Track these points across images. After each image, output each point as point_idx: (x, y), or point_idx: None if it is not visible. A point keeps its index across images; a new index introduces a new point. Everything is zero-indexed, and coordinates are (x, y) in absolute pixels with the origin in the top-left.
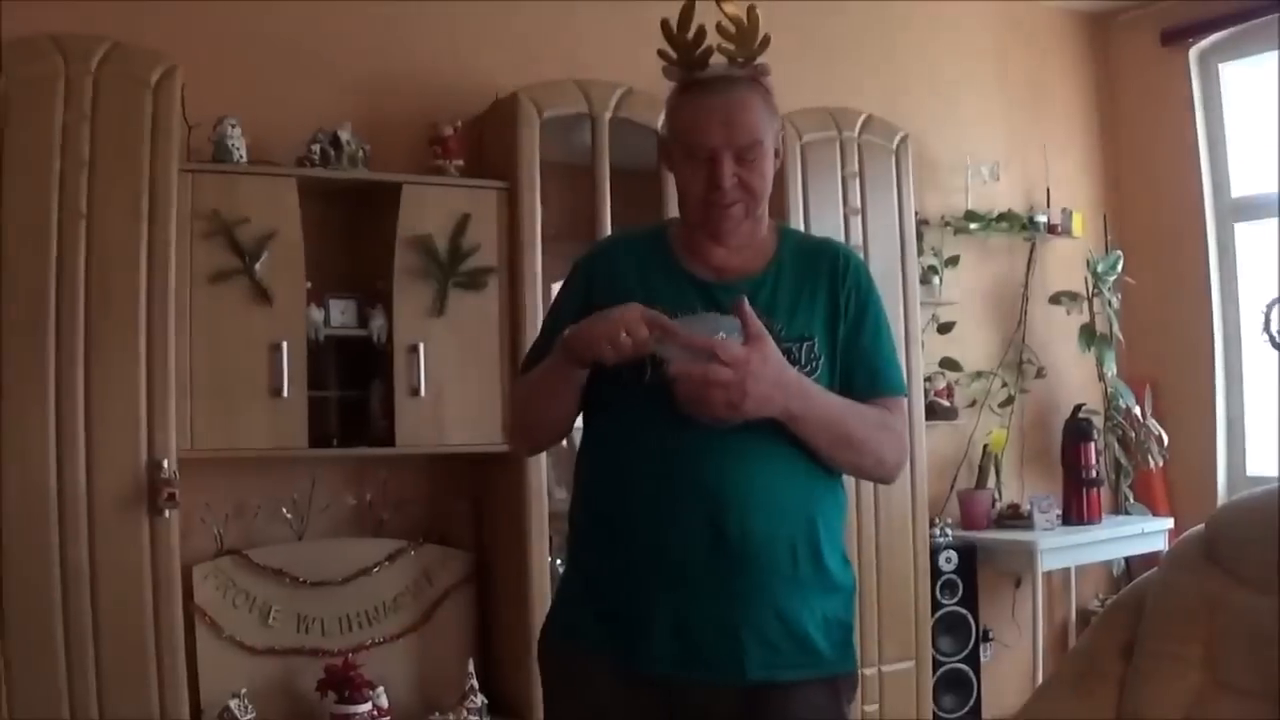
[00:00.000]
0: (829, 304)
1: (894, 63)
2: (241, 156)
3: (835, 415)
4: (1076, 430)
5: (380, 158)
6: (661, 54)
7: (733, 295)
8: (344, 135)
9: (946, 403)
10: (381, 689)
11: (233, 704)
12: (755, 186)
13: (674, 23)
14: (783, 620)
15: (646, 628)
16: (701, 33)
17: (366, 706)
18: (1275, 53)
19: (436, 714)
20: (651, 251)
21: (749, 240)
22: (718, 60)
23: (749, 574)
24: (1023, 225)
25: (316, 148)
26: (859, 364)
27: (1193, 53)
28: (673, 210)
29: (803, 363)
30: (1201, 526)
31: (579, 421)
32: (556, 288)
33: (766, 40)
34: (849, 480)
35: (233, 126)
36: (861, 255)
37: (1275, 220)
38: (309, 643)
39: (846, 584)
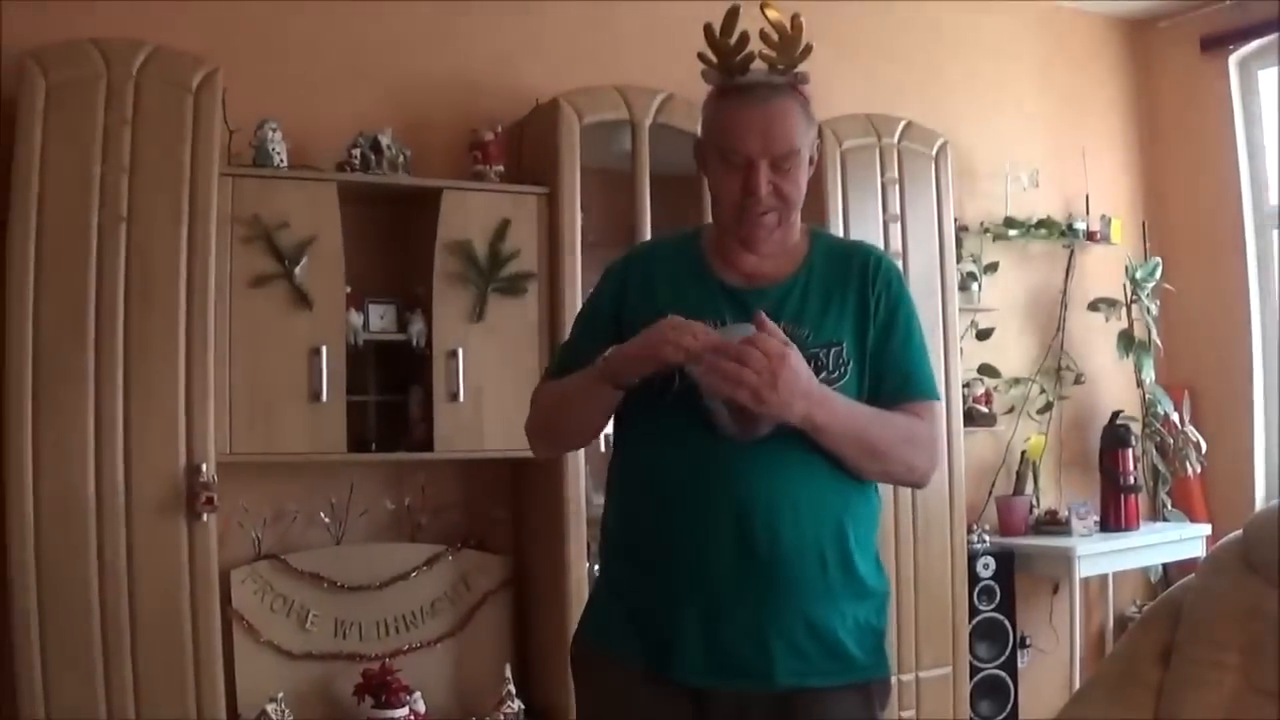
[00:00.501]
0: (858, 307)
1: (934, 69)
2: (282, 161)
3: (860, 425)
4: (1114, 437)
5: (420, 162)
6: (701, 57)
7: (762, 301)
8: (384, 140)
9: (985, 409)
10: (419, 694)
11: (270, 708)
12: (790, 195)
13: (717, 27)
14: (812, 627)
15: (676, 635)
16: (744, 39)
17: (404, 711)
18: None
19: (474, 719)
20: (683, 258)
21: (780, 248)
22: (758, 66)
23: (778, 581)
24: (1061, 232)
25: (357, 152)
26: (889, 368)
27: (1232, 59)
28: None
29: (830, 368)
30: (1239, 532)
31: (609, 427)
32: None
33: (809, 49)
34: (885, 486)
35: (273, 130)
36: (900, 262)
37: None
38: (346, 647)
39: (879, 589)
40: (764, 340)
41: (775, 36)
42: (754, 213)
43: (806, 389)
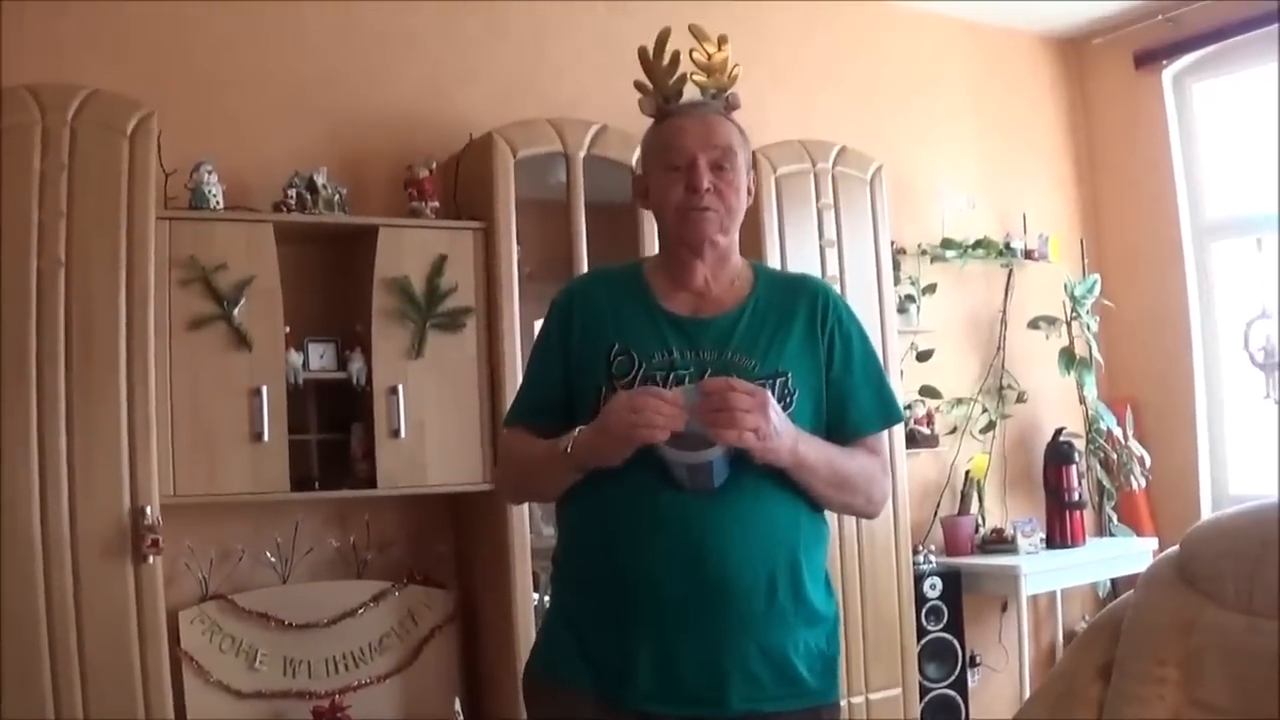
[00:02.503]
0: (807, 341)
1: (868, 94)
2: (218, 202)
3: (832, 459)
4: (1058, 453)
5: (357, 200)
6: (638, 85)
7: (709, 330)
8: (320, 179)
9: (927, 430)
10: None
11: None
12: (730, 200)
13: (650, 50)
14: (765, 652)
15: (630, 663)
16: (676, 59)
17: None
18: (1250, 70)
19: None
20: (627, 288)
21: (724, 261)
22: (690, 91)
23: (730, 607)
24: (999, 251)
25: (293, 192)
26: (850, 403)
27: (1166, 74)
28: (648, 246)
29: (777, 398)
30: (1176, 547)
31: None
32: (537, 325)
33: (737, 72)
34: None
35: (209, 172)
36: (838, 286)
37: (1252, 239)
38: (296, 685)
39: (829, 615)
40: (740, 383)
41: (705, 59)
42: (698, 210)
43: (788, 425)
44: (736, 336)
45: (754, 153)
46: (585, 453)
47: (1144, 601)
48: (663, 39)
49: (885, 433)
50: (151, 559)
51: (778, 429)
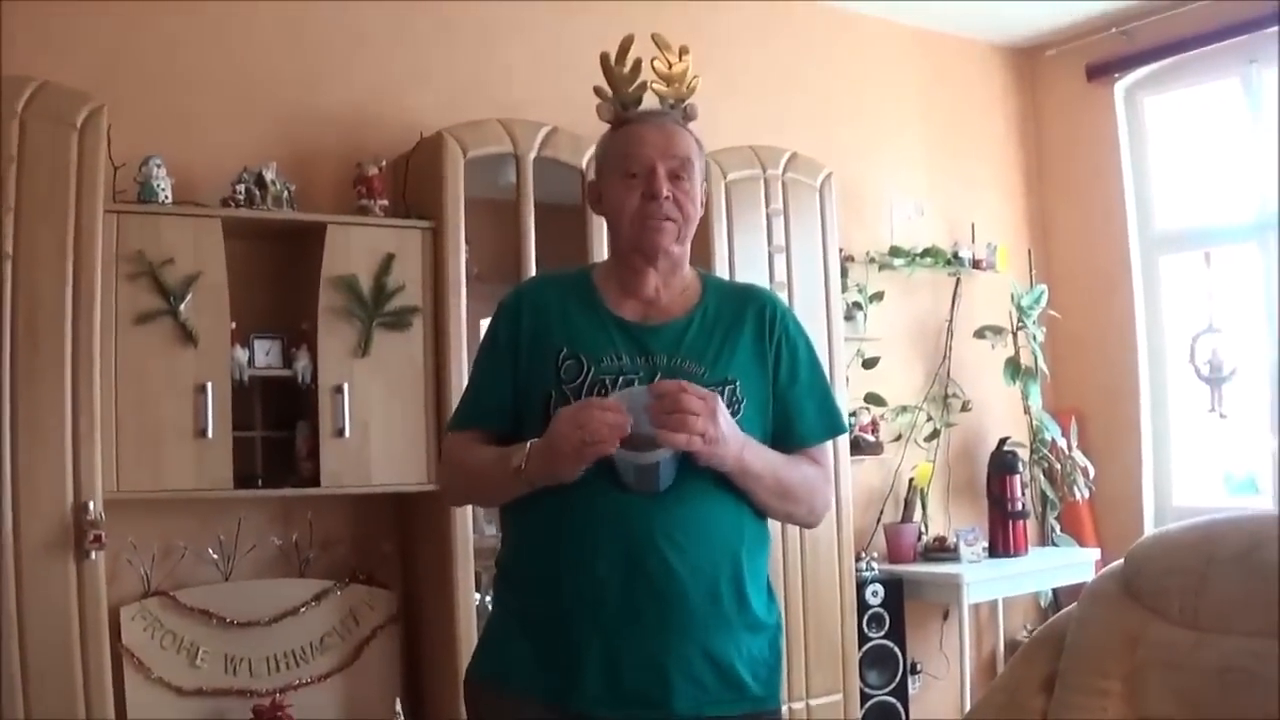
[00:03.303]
0: (755, 351)
1: (818, 101)
2: (167, 197)
3: (777, 468)
4: (1001, 463)
5: (305, 197)
6: (598, 90)
7: (658, 337)
8: (269, 175)
9: (872, 437)
10: None
11: None
12: (687, 209)
13: (613, 56)
14: (708, 656)
15: (576, 667)
16: (638, 66)
17: None
18: (1202, 85)
19: None
20: (577, 293)
21: (676, 270)
22: (649, 100)
23: (673, 612)
24: (947, 260)
25: (242, 188)
26: (795, 414)
27: (1118, 87)
28: (597, 249)
29: (725, 405)
30: (1120, 562)
31: None
32: (484, 325)
33: (696, 83)
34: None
35: (158, 167)
36: (785, 293)
37: (1200, 252)
38: (237, 683)
39: (770, 622)
40: (693, 386)
41: (666, 68)
42: (656, 219)
43: (735, 432)
44: (686, 343)
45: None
46: (539, 472)
47: (1088, 615)
48: (625, 45)
49: (829, 443)
50: (94, 555)
51: (725, 435)
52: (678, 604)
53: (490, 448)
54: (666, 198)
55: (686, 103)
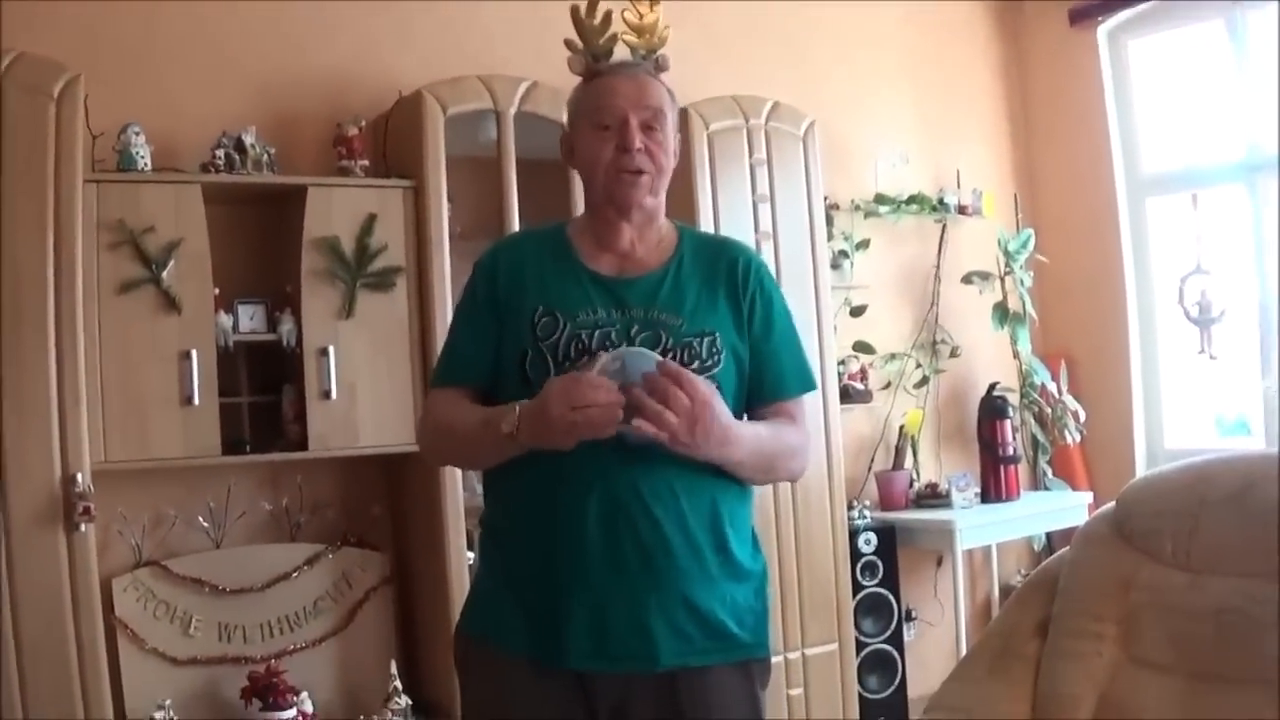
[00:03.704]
0: (730, 305)
1: (801, 50)
2: (146, 164)
3: (760, 448)
4: (991, 408)
5: (285, 160)
6: (568, 43)
7: (634, 290)
8: (248, 139)
9: (861, 385)
10: (306, 694)
11: (158, 716)
12: (660, 160)
13: (583, 9)
14: (693, 608)
15: (561, 623)
16: (608, 18)
17: (291, 713)
18: (1186, 26)
19: (361, 717)
20: (551, 250)
21: (650, 222)
22: (620, 51)
23: (655, 566)
24: (933, 207)
25: (221, 152)
26: (769, 368)
27: (1101, 31)
28: (580, 203)
29: (704, 357)
30: (1112, 504)
31: None
32: None
33: (666, 34)
34: None
35: (136, 134)
36: (770, 243)
37: (1187, 194)
38: (231, 651)
39: (755, 571)
40: (692, 384)
41: (637, 19)
42: (629, 170)
43: (722, 436)
44: (662, 295)
45: (687, 108)
46: (531, 440)
47: (1081, 559)
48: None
49: (804, 398)
50: (84, 527)
51: (706, 440)
52: (661, 558)
53: (474, 408)
54: (639, 149)
55: (658, 54)
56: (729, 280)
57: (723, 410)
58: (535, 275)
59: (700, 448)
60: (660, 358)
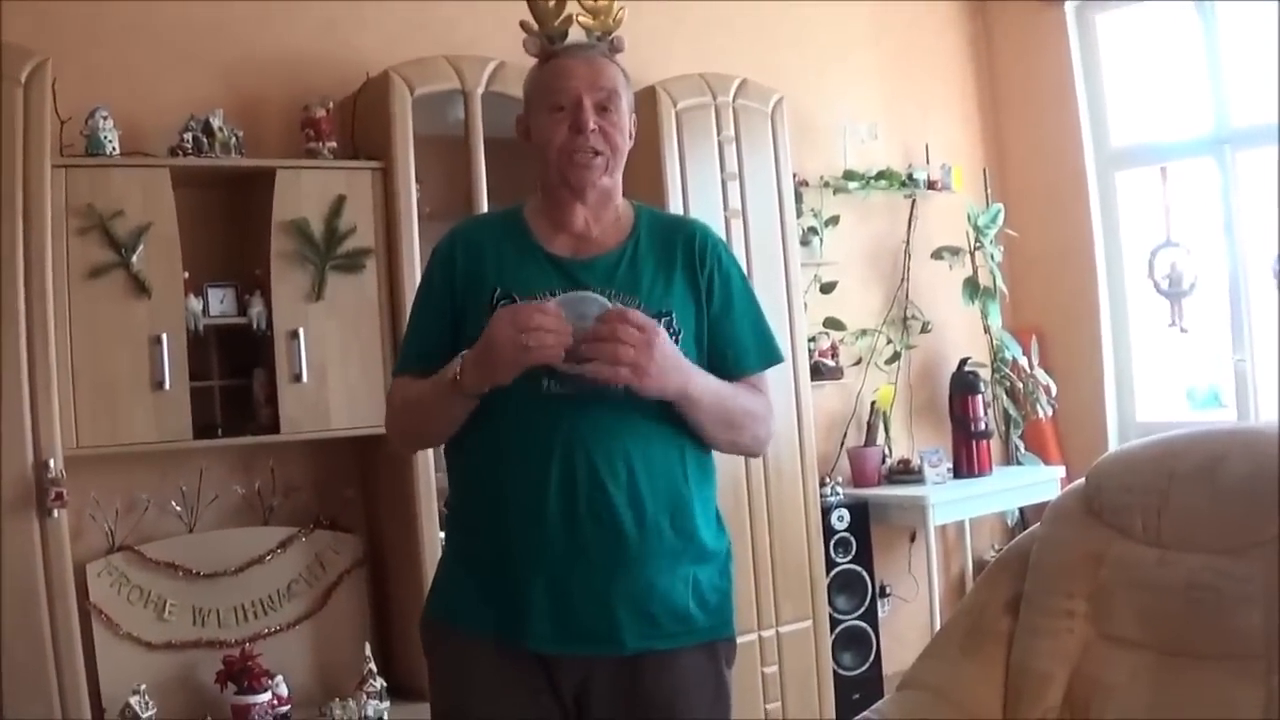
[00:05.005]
0: (688, 282)
1: (767, 27)
2: (114, 148)
3: (722, 398)
4: (963, 383)
5: (253, 142)
6: (524, 25)
7: (591, 271)
8: (216, 122)
9: (832, 362)
10: (280, 677)
11: (133, 701)
12: (615, 140)
13: None
14: (656, 591)
15: (525, 606)
16: (563, 1)
17: (266, 696)
18: (1152, 1)
19: (336, 699)
20: (508, 232)
21: (606, 203)
22: (575, 34)
23: (618, 548)
24: (902, 182)
25: (189, 136)
26: (728, 342)
27: (1069, 5)
28: None
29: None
30: (1082, 480)
31: None
32: None
33: (622, 15)
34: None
35: (104, 118)
36: (740, 220)
37: (1156, 167)
38: (206, 635)
39: (720, 550)
40: (633, 314)
41: (593, 0)
42: (583, 153)
43: (677, 362)
44: (619, 276)
45: (655, 86)
46: (475, 377)
47: (1051, 535)
48: None
49: (768, 373)
50: (56, 513)
51: (663, 367)
52: (621, 540)
53: (427, 379)
54: (593, 130)
55: (613, 35)
56: (686, 258)
57: (670, 342)
58: (493, 258)
59: (656, 378)
60: (607, 301)
